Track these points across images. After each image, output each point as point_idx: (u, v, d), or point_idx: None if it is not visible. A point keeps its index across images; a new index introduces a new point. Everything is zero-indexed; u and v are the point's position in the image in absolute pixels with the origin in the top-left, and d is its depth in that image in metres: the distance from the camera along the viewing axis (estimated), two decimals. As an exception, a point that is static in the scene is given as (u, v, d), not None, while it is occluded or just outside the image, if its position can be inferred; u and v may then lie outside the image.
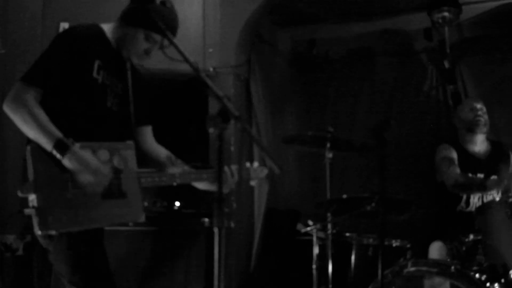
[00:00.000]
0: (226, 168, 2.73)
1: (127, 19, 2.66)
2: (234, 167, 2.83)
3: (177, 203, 4.09)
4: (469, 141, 4.50)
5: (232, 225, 3.96)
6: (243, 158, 4.82)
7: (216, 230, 2.09)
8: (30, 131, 2.39)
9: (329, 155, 3.88)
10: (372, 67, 5.96)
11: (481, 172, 4.33)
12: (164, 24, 2.58)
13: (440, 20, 5.10)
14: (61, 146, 2.36)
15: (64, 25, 4.33)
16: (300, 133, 4.57)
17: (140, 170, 2.61)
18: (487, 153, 4.51)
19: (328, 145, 3.85)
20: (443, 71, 5.47)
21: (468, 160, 4.43)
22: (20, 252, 4.05)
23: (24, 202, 2.34)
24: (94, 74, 2.57)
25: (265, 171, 2.86)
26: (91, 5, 4.34)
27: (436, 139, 5.26)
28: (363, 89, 5.99)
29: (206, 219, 4.01)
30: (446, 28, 5.14)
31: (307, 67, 6.00)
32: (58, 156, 2.35)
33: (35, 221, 2.28)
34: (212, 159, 4.33)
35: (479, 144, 4.51)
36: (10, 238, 3.99)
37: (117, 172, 2.49)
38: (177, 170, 2.77)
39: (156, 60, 4.27)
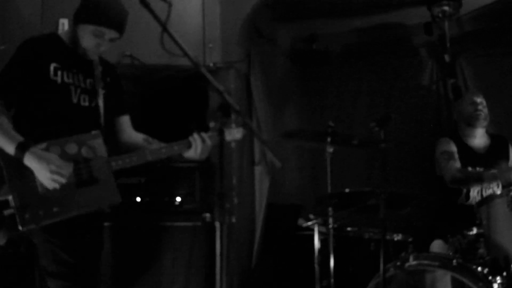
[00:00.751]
0: (196, 135, 2.83)
1: (75, 19, 2.80)
2: (203, 134, 2.87)
3: (178, 199, 4.09)
4: (468, 135, 4.51)
5: (233, 220, 3.96)
6: (244, 153, 4.83)
7: (217, 225, 2.09)
8: None
9: (330, 149, 3.87)
10: (372, 61, 5.95)
11: (480, 166, 4.33)
12: (109, 17, 2.76)
13: (440, 14, 5.07)
14: (20, 148, 2.53)
15: (64, 22, 4.33)
16: (301, 128, 4.58)
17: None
18: (486, 147, 4.51)
19: (329, 139, 3.84)
20: (443, 65, 5.46)
21: (468, 154, 4.44)
22: (22, 249, 4.06)
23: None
24: (51, 76, 2.72)
25: (241, 132, 2.88)
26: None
27: (437, 133, 5.26)
28: (363, 84, 5.99)
29: (207, 215, 4.02)
30: (446, 22, 5.11)
31: (307, 62, 5.99)
32: (19, 157, 2.52)
33: (17, 219, 2.48)
34: (213, 153, 4.32)
35: (479, 138, 4.51)
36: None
37: (86, 161, 2.63)
38: (156, 147, 2.87)
39: (155, 55, 4.31)
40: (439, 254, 3.75)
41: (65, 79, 2.76)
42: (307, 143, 4.34)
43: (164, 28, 2.45)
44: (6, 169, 2.53)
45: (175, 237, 4.03)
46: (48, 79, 2.71)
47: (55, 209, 2.53)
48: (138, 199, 4.09)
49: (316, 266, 3.82)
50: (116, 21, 2.81)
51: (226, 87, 2.21)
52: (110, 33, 2.79)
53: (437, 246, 4.03)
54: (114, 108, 2.93)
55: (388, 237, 3.84)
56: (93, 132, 2.73)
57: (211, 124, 2.78)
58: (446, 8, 5.05)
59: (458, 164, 4.34)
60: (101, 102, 2.83)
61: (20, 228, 2.47)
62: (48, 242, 2.60)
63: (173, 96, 4.70)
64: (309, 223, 3.92)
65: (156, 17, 2.48)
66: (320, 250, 3.85)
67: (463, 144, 4.49)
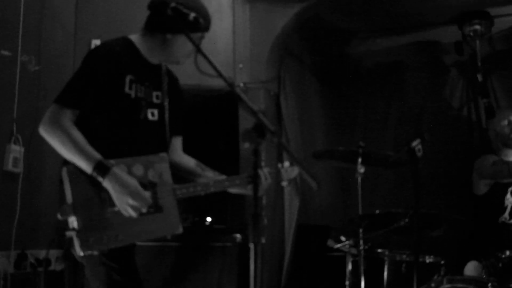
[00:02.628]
0: (260, 172, 2.67)
1: (172, 29, 2.62)
2: (266, 169, 2.82)
3: (209, 219, 4.08)
4: (504, 155, 4.46)
5: (263, 240, 3.93)
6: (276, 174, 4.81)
7: (251, 246, 2.06)
8: (69, 154, 2.41)
9: (361, 170, 3.83)
10: (402, 81, 5.92)
11: None
12: (207, 19, 2.64)
13: (471, 33, 5.05)
14: (101, 168, 2.38)
15: (96, 42, 4.38)
16: (331, 148, 4.54)
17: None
18: None
19: (360, 160, 3.81)
20: (474, 85, 5.40)
21: None
22: (52, 267, 4.09)
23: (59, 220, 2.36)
24: (126, 90, 2.58)
25: (296, 171, 2.83)
26: (123, 22, 4.38)
27: (468, 153, 5.20)
28: (393, 104, 5.95)
29: (238, 235, 3.99)
30: (478, 42, 5.08)
31: (336, 82, 5.98)
32: (99, 178, 2.37)
33: (76, 243, 2.30)
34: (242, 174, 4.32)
35: None
36: (43, 253, 4.03)
37: (152, 185, 2.50)
38: (209, 175, 2.79)
39: (186, 75, 4.33)
40: (474, 277, 3.68)
41: (138, 93, 2.62)
42: (337, 163, 4.29)
43: (198, 49, 2.46)
44: (71, 186, 2.35)
45: (205, 257, 4.01)
46: (122, 93, 2.56)
47: (119, 236, 2.38)
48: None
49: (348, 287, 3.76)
50: (209, 21, 2.69)
51: (259, 107, 2.20)
52: (204, 35, 2.69)
53: (472, 267, 3.96)
54: (173, 126, 2.79)
55: (420, 259, 3.77)
56: (161, 154, 2.60)
57: (246, 145, 2.72)
58: (477, 27, 5.02)
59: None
60: (167, 117, 2.72)
61: (79, 252, 2.30)
62: (103, 264, 2.45)
63: (203, 116, 4.71)
64: (339, 245, 3.87)
65: (189, 37, 2.49)
66: (350, 271, 3.80)
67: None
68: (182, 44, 2.66)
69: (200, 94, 4.49)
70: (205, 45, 2.50)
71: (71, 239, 2.31)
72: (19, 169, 3.87)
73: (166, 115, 2.72)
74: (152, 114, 2.68)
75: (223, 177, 2.78)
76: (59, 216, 2.33)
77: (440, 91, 5.81)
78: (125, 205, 2.39)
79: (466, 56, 5.28)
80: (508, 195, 4.32)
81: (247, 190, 2.79)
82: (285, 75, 5.10)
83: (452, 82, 5.83)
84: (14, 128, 3.85)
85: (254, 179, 2.07)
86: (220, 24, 4.70)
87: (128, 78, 2.58)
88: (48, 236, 4.12)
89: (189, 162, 2.89)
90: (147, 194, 2.45)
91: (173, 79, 2.86)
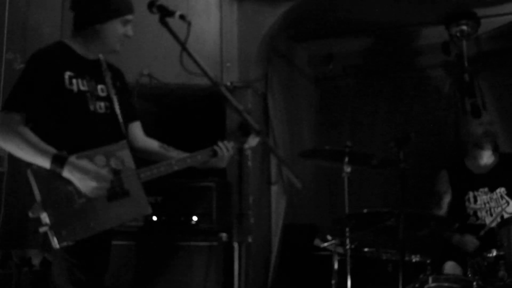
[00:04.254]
0: (221, 144, 2.79)
1: (98, 19, 2.74)
2: (225, 143, 2.83)
3: (195, 218, 4.07)
4: (474, 156, 4.47)
5: (250, 240, 3.93)
6: (261, 172, 4.81)
7: (236, 245, 2.06)
8: (26, 155, 2.50)
9: (348, 169, 3.83)
10: (389, 80, 5.94)
11: (483, 187, 4.30)
12: (129, 2, 2.77)
13: (458, 34, 5.07)
14: (58, 160, 2.46)
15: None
16: (318, 148, 4.55)
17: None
18: (491, 166, 4.45)
19: (347, 159, 3.81)
20: (461, 85, 5.42)
21: (467, 178, 4.42)
22: (37, 267, 4.06)
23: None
24: (67, 85, 2.66)
25: (257, 140, 2.83)
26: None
27: (455, 152, 5.21)
28: (381, 103, 5.97)
29: (224, 234, 3.99)
30: (464, 42, 5.10)
31: (324, 82, 5.99)
32: (57, 170, 2.45)
33: (51, 237, 2.39)
34: (230, 174, 4.31)
35: (486, 158, 4.47)
36: (30, 253, 4.00)
37: (116, 173, 2.59)
38: (173, 154, 2.86)
39: (173, 74, 4.33)
40: (459, 276, 3.70)
41: (81, 87, 2.71)
42: (324, 162, 4.30)
43: (184, 48, 2.46)
44: (38, 184, 2.44)
45: (191, 257, 3.99)
46: (64, 89, 2.65)
47: (91, 224, 2.47)
48: (155, 218, 4.07)
49: (334, 287, 3.77)
50: (131, 4, 2.81)
51: (245, 107, 2.20)
52: (130, 17, 2.79)
53: (450, 267, 3.98)
54: (126, 115, 2.87)
55: (406, 258, 3.78)
56: (120, 142, 2.69)
57: (226, 149, 2.74)
58: (464, 27, 5.04)
59: (442, 212, 4.39)
60: (117, 109, 2.80)
61: (56, 245, 2.38)
62: (67, 261, 2.54)
63: (190, 115, 4.71)
64: (326, 244, 3.88)
65: (175, 36, 2.49)
66: (336, 270, 3.81)
67: (462, 169, 4.45)
68: (112, 31, 2.76)
69: (187, 93, 4.49)
70: (192, 44, 2.50)
71: (46, 234, 2.39)
72: (4, 168, 3.84)
73: (116, 106, 2.79)
74: (100, 107, 2.76)
75: (185, 155, 2.84)
76: (30, 215, 2.42)
77: (427, 91, 5.83)
78: (90, 188, 2.48)
79: (453, 57, 5.30)
80: (467, 203, 4.35)
81: (211, 164, 2.85)
82: (272, 75, 5.10)
83: (438, 83, 5.85)
84: (-1, 127, 3.81)
85: (240, 178, 2.07)
86: (207, 23, 4.70)
87: (66, 75, 2.67)
88: (34, 235, 4.10)
89: (152, 144, 2.98)
90: (106, 172, 2.53)
91: (116, 71, 2.95)
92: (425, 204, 5.02)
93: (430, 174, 5.28)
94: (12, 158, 3.84)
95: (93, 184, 2.48)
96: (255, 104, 4.75)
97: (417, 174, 4.96)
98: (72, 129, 2.65)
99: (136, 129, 2.98)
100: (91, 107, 2.72)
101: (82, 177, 2.47)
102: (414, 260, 3.85)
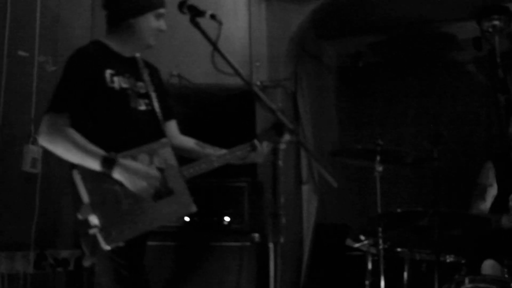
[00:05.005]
0: (257, 144, 2.78)
1: (131, 14, 2.72)
2: (264, 144, 2.83)
3: (227, 218, 4.07)
4: None
5: (282, 240, 3.91)
6: (291, 172, 4.80)
7: (271, 245, 2.05)
8: (74, 157, 2.48)
9: (379, 168, 3.78)
10: (418, 77, 5.87)
11: None
12: None
13: (490, 29, 5.00)
14: (107, 162, 2.44)
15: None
16: (349, 146, 4.51)
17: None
18: None
19: (378, 158, 3.76)
20: (493, 81, 5.34)
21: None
22: (71, 267, 4.11)
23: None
24: (109, 83, 2.64)
25: (288, 137, 2.80)
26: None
27: (488, 150, 5.14)
28: (410, 101, 5.91)
29: (256, 234, 3.98)
30: (497, 37, 5.02)
31: (353, 79, 5.95)
32: (107, 171, 2.44)
33: (100, 238, 2.36)
34: (260, 173, 4.30)
35: None
36: (63, 253, 4.04)
37: (160, 171, 2.57)
38: (210, 151, 2.83)
39: (203, 74, 4.34)
40: (496, 277, 3.62)
41: (122, 84, 2.68)
42: (354, 161, 4.25)
43: (215, 47, 2.45)
44: (86, 185, 2.40)
45: (224, 257, 3.99)
46: (106, 87, 2.63)
47: (139, 224, 2.47)
48: (187, 218, 4.08)
49: (368, 287, 3.73)
50: None
51: (277, 106, 2.18)
52: (162, 11, 2.77)
53: (489, 266, 3.90)
54: (164, 112, 2.84)
55: (441, 258, 3.72)
56: (162, 140, 2.66)
57: (264, 144, 2.72)
58: (496, 22, 4.96)
59: (484, 206, 4.23)
60: (156, 106, 2.78)
61: (105, 246, 2.35)
62: (113, 261, 2.51)
63: (220, 115, 4.70)
64: (358, 244, 3.84)
65: (207, 36, 2.48)
66: (370, 271, 3.77)
67: (508, 163, 4.35)
68: (146, 25, 2.74)
69: (216, 93, 4.48)
70: (221, 44, 2.49)
71: (94, 236, 2.37)
72: (38, 169, 3.88)
73: (155, 104, 2.78)
74: (141, 104, 2.74)
75: (224, 151, 2.81)
76: (79, 216, 2.38)
77: (457, 87, 5.75)
78: (141, 188, 2.47)
79: (484, 52, 5.22)
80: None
81: (250, 159, 2.83)
82: (301, 73, 5.08)
83: (470, 79, 5.76)
84: (32, 129, 3.86)
85: (274, 177, 2.04)
86: (236, 23, 4.69)
87: (107, 72, 2.65)
88: (67, 236, 4.14)
89: (189, 142, 2.95)
90: (154, 171, 2.52)
91: (153, 69, 2.93)
92: (458, 202, 4.96)
93: (461, 172, 5.21)
94: (46, 160, 3.91)
95: (143, 183, 2.47)
96: (284, 103, 4.73)
97: (448, 172, 4.91)
98: (114, 127, 2.64)
99: (173, 127, 2.96)
100: (132, 104, 2.70)
101: (132, 177, 2.46)
102: (448, 260, 3.79)
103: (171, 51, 4.43)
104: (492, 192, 4.33)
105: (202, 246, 4.03)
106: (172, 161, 2.64)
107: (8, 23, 3.75)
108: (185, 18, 2.61)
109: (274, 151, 2.05)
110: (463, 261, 3.73)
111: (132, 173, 2.46)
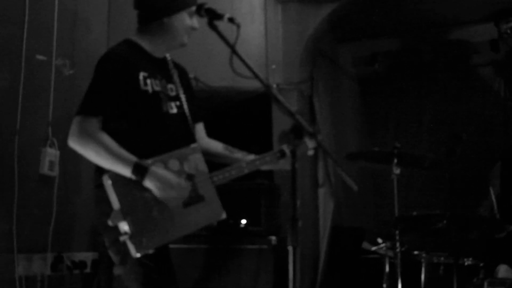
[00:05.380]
0: (287, 150, 2.71)
1: (166, 12, 2.66)
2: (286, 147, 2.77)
3: (243, 221, 4.06)
4: None
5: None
6: (310, 175, 4.79)
7: (290, 248, 2.04)
8: (105, 162, 2.42)
9: (397, 171, 3.76)
10: (435, 80, 5.84)
11: None
12: None
13: (508, 31, 4.96)
14: (139, 170, 2.39)
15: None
16: (366, 149, 4.50)
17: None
18: None
19: (395, 161, 3.75)
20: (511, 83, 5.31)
21: None
22: (88, 269, 4.12)
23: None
24: (142, 87, 2.58)
25: (313, 144, 2.77)
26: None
27: (505, 153, 5.10)
28: (426, 104, 5.88)
29: (273, 237, 3.97)
30: (515, 39, 4.99)
31: (369, 82, 5.93)
32: (138, 179, 2.39)
33: (130, 246, 2.33)
34: (277, 176, 4.29)
35: None
36: (79, 256, 4.06)
37: (190, 177, 2.54)
38: (238, 156, 2.80)
39: (219, 77, 4.34)
40: (514, 280, 3.60)
41: (155, 87, 2.63)
42: (371, 164, 4.24)
43: (234, 50, 2.44)
44: (116, 192, 2.36)
45: (240, 260, 3.98)
46: (139, 90, 2.57)
47: (169, 232, 2.44)
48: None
49: (385, 291, 3.71)
50: None
51: (296, 109, 2.18)
52: (195, 9, 2.68)
53: (503, 271, 3.87)
54: (193, 115, 2.78)
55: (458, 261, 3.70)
56: (192, 145, 2.62)
57: (283, 147, 2.69)
58: (514, 24, 4.93)
59: (487, 203, 4.22)
60: (186, 109, 2.72)
61: (135, 254, 2.32)
62: (142, 265, 2.45)
63: (237, 118, 4.70)
64: (375, 247, 3.82)
65: (225, 39, 2.47)
66: (387, 274, 3.75)
67: None
68: (180, 22, 2.68)
69: (233, 96, 4.49)
70: (237, 47, 2.48)
71: (125, 244, 2.34)
72: (55, 172, 3.90)
73: (185, 106, 2.72)
74: (172, 107, 2.69)
75: (252, 156, 2.77)
76: (110, 223, 2.35)
77: (474, 90, 5.71)
78: (170, 198, 2.43)
79: (502, 54, 5.19)
80: None
81: (278, 166, 2.78)
82: (318, 76, 5.07)
83: (487, 81, 5.72)
84: (50, 132, 3.88)
85: (293, 181, 2.04)
86: (252, 26, 4.70)
87: (141, 75, 2.59)
88: (84, 238, 4.16)
89: (217, 146, 2.90)
90: (185, 182, 2.49)
91: (182, 70, 2.88)
92: (474, 206, 4.93)
93: (477, 175, 5.17)
94: (63, 163, 3.93)
95: (173, 194, 2.44)
96: (301, 106, 4.72)
97: (464, 175, 4.87)
98: (146, 131, 2.59)
99: (200, 130, 2.90)
100: (164, 108, 2.65)
101: (163, 187, 2.42)
102: (466, 264, 3.77)
103: (188, 54, 4.41)
104: (496, 191, 4.31)
105: (219, 249, 4.02)
106: (203, 167, 2.60)
107: (26, 27, 3.77)
108: (201, 22, 2.61)
109: (293, 154, 2.05)
110: (481, 264, 3.70)
111: (163, 182, 2.42)
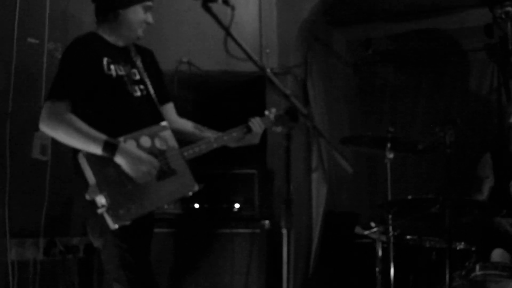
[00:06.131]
0: (254, 120, 2.98)
1: (120, 5, 2.78)
2: (257, 119, 3.00)
3: (237, 205, 4.07)
4: None
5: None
6: (304, 160, 4.78)
7: (284, 231, 2.05)
8: (77, 142, 2.57)
9: (390, 155, 3.77)
10: (429, 65, 5.83)
11: None
12: None
13: (503, 15, 4.93)
14: (109, 147, 2.54)
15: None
16: (360, 134, 4.49)
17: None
18: None
19: (389, 145, 3.75)
20: (505, 68, 5.29)
21: (508, 165, 4.26)
22: (81, 254, 4.12)
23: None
24: (106, 71, 2.72)
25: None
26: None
27: (500, 137, 5.10)
28: (421, 89, 5.87)
29: (267, 221, 3.99)
30: (509, 24, 4.96)
31: (362, 67, 5.92)
32: (109, 156, 2.53)
33: (107, 218, 2.47)
34: (270, 161, 4.29)
35: None
36: (73, 240, 4.06)
37: (162, 153, 2.69)
38: (208, 134, 2.94)
39: (212, 61, 4.32)
40: (507, 264, 3.61)
41: (118, 71, 2.77)
42: (365, 149, 4.24)
43: (228, 33, 2.41)
44: (91, 168, 2.51)
45: (234, 244, 4.00)
46: (104, 74, 2.71)
47: (145, 203, 2.58)
48: (197, 205, 4.08)
49: (378, 274, 3.72)
50: None
51: (291, 91, 2.17)
52: (150, 4, 2.84)
53: (498, 255, 3.88)
54: (159, 96, 2.93)
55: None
56: (162, 123, 2.77)
57: (278, 129, 2.76)
58: (509, 9, 4.90)
59: (481, 197, 4.23)
60: (151, 91, 2.86)
61: (113, 226, 2.46)
62: (117, 246, 2.60)
63: (230, 102, 4.69)
64: (368, 231, 3.83)
65: (219, 22, 2.44)
66: (380, 258, 3.76)
67: (507, 154, 4.31)
68: (134, 16, 2.80)
69: (226, 80, 4.47)
70: (231, 30, 2.46)
71: (102, 217, 2.47)
72: (47, 156, 3.89)
73: (150, 89, 2.86)
74: (136, 90, 2.82)
75: (221, 133, 2.92)
76: (87, 197, 2.49)
77: (469, 74, 5.70)
78: (140, 174, 2.56)
79: (496, 39, 5.17)
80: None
81: (246, 141, 2.97)
82: (312, 60, 5.06)
83: (481, 66, 5.71)
84: (42, 116, 3.86)
85: (287, 163, 2.03)
86: (246, 9, 4.66)
87: (105, 60, 2.73)
88: (77, 223, 4.15)
89: (187, 125, 3.05)
90: (153, 158, 2.62)
91: (146, 54, 2.99)
92: (468, 190, 4.94)
93: (472, 161, 5.17)
94: (56, 147, 3.90)
95: (142, 169, 2.56)
96: (295, 90, 4.72)
97: (459, 160, 4.87)
98: (113, 113, 2.72)
99: (170, 110, 3.04)
100: (130, 90, 2.79)
101: (132, 162, 2.55)
102: (458, 248, 3.78)
103: (181, 37, 4.41)
104: (489, 184, 4.32)
105: (212, 233, 4.04)
106: (173, 143, 2.75)
107: (18, 10, 3.74)
108: (194, 5, 2.59)
109: (288, 137, 2.05)
110: (473, 249, 3.72)
111: (133, 159, 2.55)
